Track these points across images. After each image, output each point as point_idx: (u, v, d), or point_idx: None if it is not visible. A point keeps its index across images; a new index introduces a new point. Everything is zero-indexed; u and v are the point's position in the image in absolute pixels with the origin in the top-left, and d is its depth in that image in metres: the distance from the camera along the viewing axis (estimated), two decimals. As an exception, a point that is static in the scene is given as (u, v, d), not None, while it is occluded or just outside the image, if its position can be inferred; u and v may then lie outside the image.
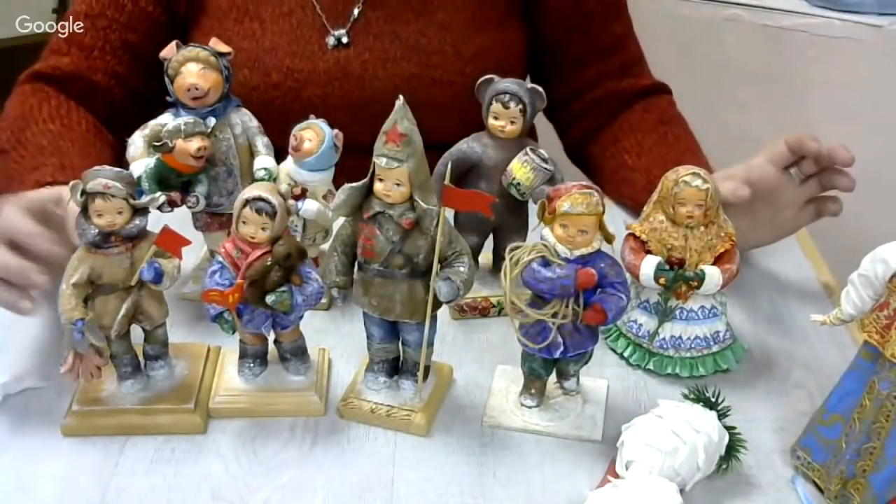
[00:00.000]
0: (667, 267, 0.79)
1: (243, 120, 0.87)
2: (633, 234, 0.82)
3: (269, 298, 0.71)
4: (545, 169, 0.84)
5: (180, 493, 0.70)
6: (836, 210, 0.92)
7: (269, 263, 0.71)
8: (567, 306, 0.71)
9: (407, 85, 1.07)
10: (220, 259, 0.72)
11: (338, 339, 0.86)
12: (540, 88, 0.85)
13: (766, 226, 0.94)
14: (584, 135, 1.21)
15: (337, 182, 0.81)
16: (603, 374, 0.82)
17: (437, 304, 0.73)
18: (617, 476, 0.67)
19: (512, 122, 0.85)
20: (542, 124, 1.25)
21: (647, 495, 0.63)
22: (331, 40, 1.09)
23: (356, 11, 1.09)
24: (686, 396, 0.72)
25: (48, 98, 1.07)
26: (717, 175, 0.92)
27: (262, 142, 0.87)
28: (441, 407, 0.78)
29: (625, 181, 1.09)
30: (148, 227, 0.73)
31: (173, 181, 0.83)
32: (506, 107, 0.84)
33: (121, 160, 0.88)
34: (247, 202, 0.70)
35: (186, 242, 0.72)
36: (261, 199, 0.70)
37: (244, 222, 0.71)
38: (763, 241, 0.96)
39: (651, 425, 0.69)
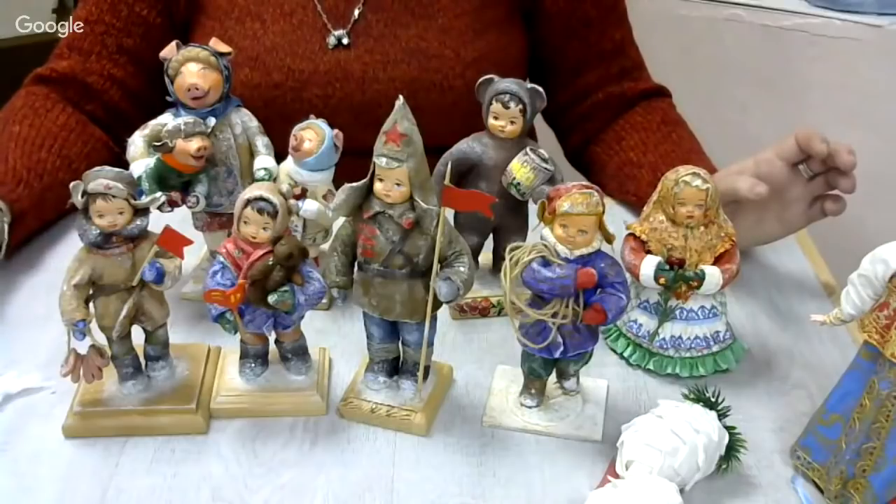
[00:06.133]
0: (667, 267, 0.79)
1: (243, 120, 0.87)
2: (633, 234, 0.82)
3: (271, 298, 0.71)
4: (545, 169, 0.84)
5: (180, 493, 0.70)
6: (836, 210, 0.91)
7: (270, 263, 0.71)
8: (567, 306, 0.71)
9: (407, 88, 1.07)
10: (222, 259, 0.72)
11: (338, 339, 0.86)
12: (540, 88, 0.85)
13: (774, 221, 0.94)
14: (586, 137, 1.21)
15: (337, 182, 0.81)
16: (603, 374, 0.82)
17: (437, 304, 0.73)
18: (617, 476, 0.67)
19: (512, 122, 0.85)
20: (543, 125, 1.26)
21: (647, 495, 0.63)
22: (331, 40, 1.09)
23: (357, 12, 1.10)
24: (686, 396, 0.72)
25: (36, 99, 1.10)
26: (728, 170, 0.92)
27: (262, 142, 0.87)
28: (441, 407, 0.78)
29: (630, 178, 1.09)
30: (148, 228, 0.73)
31: (173, 181, 0.83)
32: (506, 107, 0.84)
33: (119, 159, 0.88)
34: (248, 202, 0.70)
35: (188, 242, 0.72)
36: (262, 198, 0.70)
37: (245, 222, 0.71)
38: (770, 236, 0.96)
39: (651, 425, 0.69)
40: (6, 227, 0.92)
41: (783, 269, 1.01)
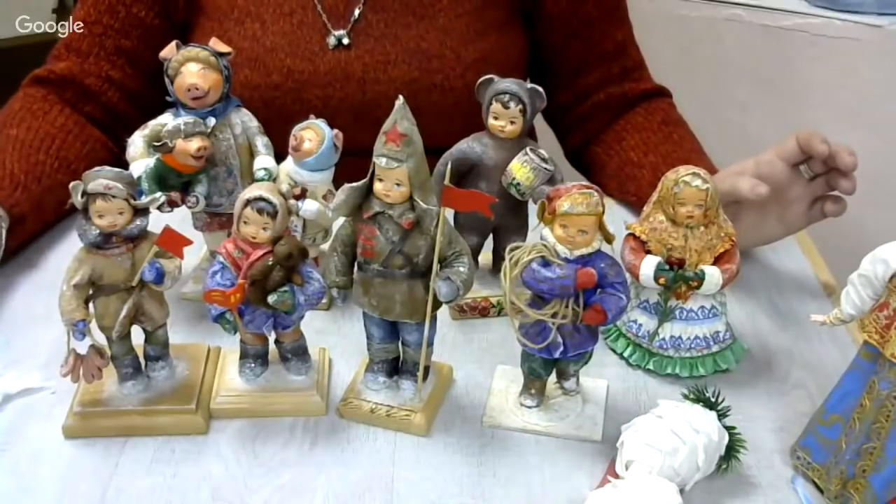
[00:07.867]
0: (667, 267, 0.79)
1: (243, 120, 0.87)
2: (633, 234, 0.82)
3: (271, 298, 0.71)
4: (545, 169, 0.84)
5: (180, 493, 0.70)
6: (836, 211, 0.91)
7: (270, 263, 0.71)
8: (567, 306, 0.71)
9: (407, 89, 1.07)
10: (222, 259, 0.72)
11: (338, 339, 0.86)
12: (540, 88, 0.85)
13: (775, 222, 0.94)
14: (587, 138, 1.21)
15: (337, 182, 0.81)
16: (603, 374, 0.82)
17: (437, 304, 0.73)
18: (617, 476, 0.67)
19: (512, 122, 0.85)
20: (543, 125, 1.26)
21: (647, 495, 0.63)
22: (331, 40, 1.09)
23: (357, 12, 1.09)
24: (686, 396, 0.72)
25: (33, 101, 1.10)
26: (729, 171, 0.92)
27: (261, 142, 0.87)
28: (441, 407, 0.78)
29: (630, 178, 1.09)
30: (148, 228, 0.73)
31: (173, 181, 0.83)
32: (506, 107, 0.84)
33: (118, 160, 0.88)
34: (248, 202, 0.70)
35: (188, 242, 0.72)
36: (262, 198, 0.70)
37: (245, 222, 0.71)
38: (771, 237, 0.96)
39: (651, 425, 0.69)
40: (4, 232, 0.92)
41: (783, 269, 1.01)
